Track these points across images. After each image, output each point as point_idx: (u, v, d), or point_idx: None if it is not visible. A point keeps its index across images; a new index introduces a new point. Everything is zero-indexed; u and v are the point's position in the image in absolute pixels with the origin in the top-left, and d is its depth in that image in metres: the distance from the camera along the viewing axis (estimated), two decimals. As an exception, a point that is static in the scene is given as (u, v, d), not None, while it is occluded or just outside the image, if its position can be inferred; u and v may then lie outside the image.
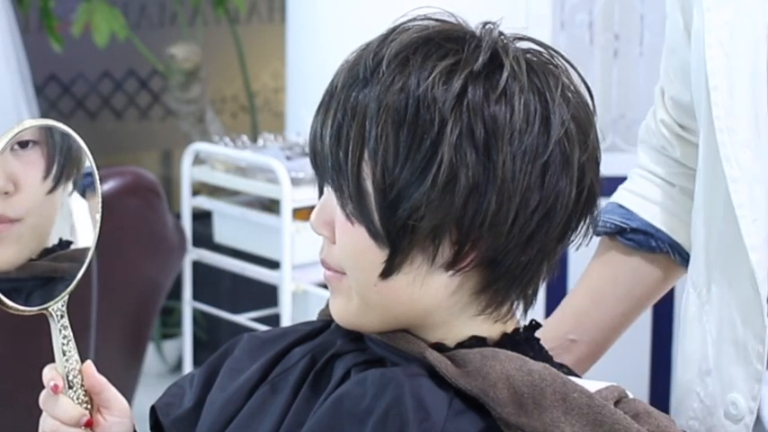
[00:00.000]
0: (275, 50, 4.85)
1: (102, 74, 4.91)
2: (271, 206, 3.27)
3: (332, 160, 1.12)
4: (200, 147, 3.42)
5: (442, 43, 1.11)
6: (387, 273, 1.12)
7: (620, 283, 1.48)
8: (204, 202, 3.42)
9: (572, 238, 1.17)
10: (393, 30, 1.14)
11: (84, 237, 1.26)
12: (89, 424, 1.23)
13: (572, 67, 1.16)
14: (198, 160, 3.38)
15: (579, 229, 1.17)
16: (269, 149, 3.30)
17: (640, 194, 1.47)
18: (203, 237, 3.52)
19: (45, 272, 1.24)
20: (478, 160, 1.08)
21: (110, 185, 2.86)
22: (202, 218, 3.58)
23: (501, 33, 1.14)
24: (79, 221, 1.26)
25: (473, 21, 1.16)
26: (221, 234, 3.39)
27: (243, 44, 4.70)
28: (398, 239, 1.11)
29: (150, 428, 1.30)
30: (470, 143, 1.08)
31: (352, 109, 1.11)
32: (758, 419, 1.30)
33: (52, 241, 1.25)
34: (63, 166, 1.24)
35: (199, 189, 3.67)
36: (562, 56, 1.16)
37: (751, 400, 1.28)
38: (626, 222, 1.46)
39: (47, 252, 1.25)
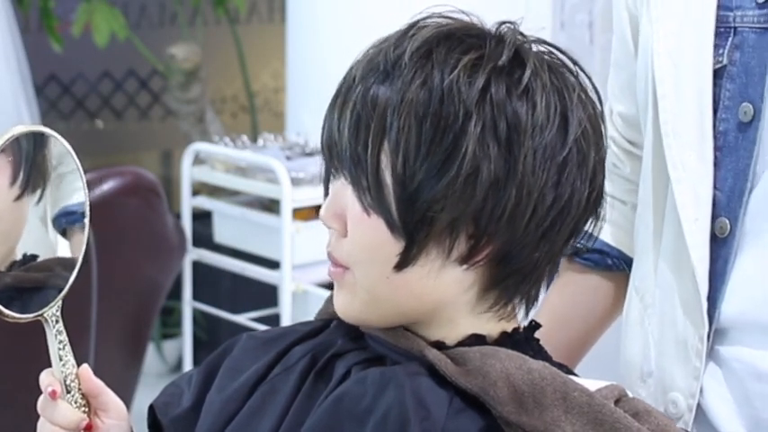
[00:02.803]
0: (275, 50, 4.85)
1: (102, 74, 4.91)
2: (271, 206, 3.27)
3: (350, 151, 1.12)
4: (200, 147, 3.42)
5: (464, 38, 1.12)
6: (402, 265, 1.12)
7: (580, 303, 1.51)
8: (204, 202, 3.42)
9: (576, 241, 1.18)
10: (412, 25, 1.15)
11: (56, 246, 1.26)
12: (88, 428, 1.23)
13: (582, 70, 1.17)
14: (198, 160, 3.38)
15: (584, 230, 1.18)
16: (269, 149, 3.30)
17: None
18: (203, 237, 3.52)
19: (19, 282, 1.23)
20: (500, 154, 1.09)
21: (110, 185, 2.86)
22: (202, 218, 3.58)
23: (521, 34, 1.15)
24: (49, 231, 1.26)
25: (489, 22, 1.17)
26: (221, 234, 3.39)
27: (243, 44, 4.70)
28: (416, 231, 1.11)
29: (148, 428, 1.29)
30: (493, 137, 1.09)
31: (373, 101, 1.11)
32: (702, 413, 1.32)
33: (19, 255, 1.24)
34: (29, 174, 1.24)
35: (199, 189, 3.67)
36: (573, 59, 1.17)
37: (690, 397, 1.31)
38: (581, 242, 1.47)
39: (16, 265, 1.24)
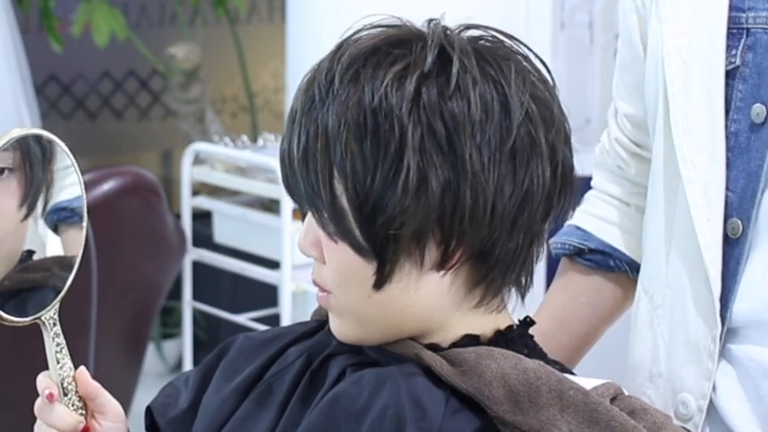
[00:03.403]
0: (275, 50, 4.84)
1: (102, 74, 4.91)
2: (271, 206, 3.27)
3: (304, 184, 1.13)
4: (200, 147, 3.42)
5: (390, 50, 1.11)
6: (379, 284, 1.13)
7: (582, 303, 1.50)
8: (204, 202, 3.42)
9: (557, 216, 1.17)
10: (340, 46, 1.14)
11: (54, 246, 1.26)
12: (85, 430, 1.23)
13: (524, 45, 1.16)
14: (198, 160, 3.38)
15: (562, 205, 1.16)
16: (269, 149, 3.30)
17: (597, 216, 1.49)
18: (203, 237, 3.52)
19: (16, 284, 1.23)
20: (445, 159, 1.09)
21: (110, 185, 2.86)
22: (202, 218, 3.58)
23: (445, 28, 1.14)
24: (48, 233, 1.26)
25: (472, 22, 1.16)
26: (221, 234, 3.39)
27: (243, 44, 4.70)
28: (383, 250, 1.11)
29: (146, 429, 1.29)
30: (434, 143, 1.08)
31: (315, 131, 1.11)
32: (715, 411, 1.31)
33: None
34: (37, 193, 1.24)
35: (199, 189, 3.67)
36: (512, 36, 1.16)
37: (701, 398, 1.31)
38: (584, 243, 1.48)
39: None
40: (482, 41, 1.14)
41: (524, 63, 1.14)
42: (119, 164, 3.80)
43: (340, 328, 1.18)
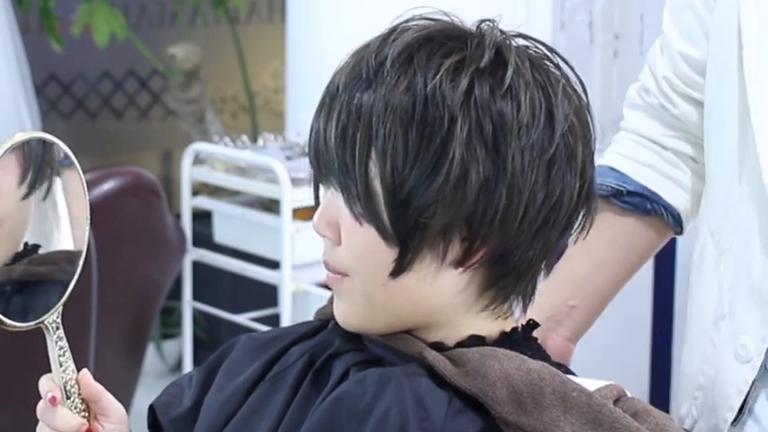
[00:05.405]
0: (275, 50, 4.84)
1: (102, 74, 4.91)
2: (271, 206, 3.27)
3: (338, 161, 1.12)
4: (200, 147, 3.42)
5: (445, 41, 1.12)
6: (397, 272, 1.12)
7: (618, 246, 1.50)
8: (204, 202, 3.41)
9: (571, 232, 1.18)
10: (392, 30, 1.14)
11: (60, 240, 1.25)
12: None
13: (566, 64, 1.17)
14: (198, 160, 3.37)
15: (579, 223, 1.18)
16: (269, 149, 3.30)
17: (632, 158, 1.50)
18: (203, 237, 3.52)
19: (22, 276, 1.23)
20: (488, 156, 1.09)
21: (110, 185, 2.86)
22: (202, 218, 3.58)
23: (501, 31, 1.15)
24: (54, 226, 1.25)
25: (472, 21, 1.17)
26: (221, 234, 3.39)
27: (243, 44, 4.70)
28: (409, 238, 1.11)
29: (148, 427, 1.29)
30: (480, 139, 1.09)
31: (357, 110, 1.11)
32: None
33: (21, 246, 1.24)
34: (38, 172, 1.23)
35: (199, 189, 3.67)
36: (557, 53, 1.17)
37: (760, 342, 1.31)
38: (622, 185, 1.49)
39: (18, 256, 1.24)
40: (533, 51, 1.15)
41: (568, 81, 1.15)
42: (119, 164, 3.80)
43: (346, 313, 1.17)
